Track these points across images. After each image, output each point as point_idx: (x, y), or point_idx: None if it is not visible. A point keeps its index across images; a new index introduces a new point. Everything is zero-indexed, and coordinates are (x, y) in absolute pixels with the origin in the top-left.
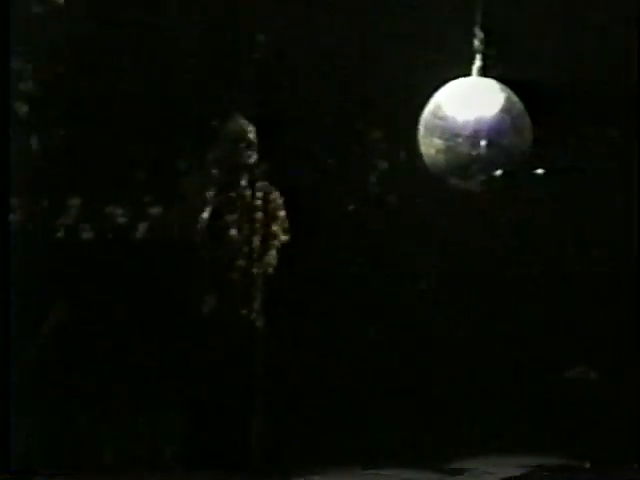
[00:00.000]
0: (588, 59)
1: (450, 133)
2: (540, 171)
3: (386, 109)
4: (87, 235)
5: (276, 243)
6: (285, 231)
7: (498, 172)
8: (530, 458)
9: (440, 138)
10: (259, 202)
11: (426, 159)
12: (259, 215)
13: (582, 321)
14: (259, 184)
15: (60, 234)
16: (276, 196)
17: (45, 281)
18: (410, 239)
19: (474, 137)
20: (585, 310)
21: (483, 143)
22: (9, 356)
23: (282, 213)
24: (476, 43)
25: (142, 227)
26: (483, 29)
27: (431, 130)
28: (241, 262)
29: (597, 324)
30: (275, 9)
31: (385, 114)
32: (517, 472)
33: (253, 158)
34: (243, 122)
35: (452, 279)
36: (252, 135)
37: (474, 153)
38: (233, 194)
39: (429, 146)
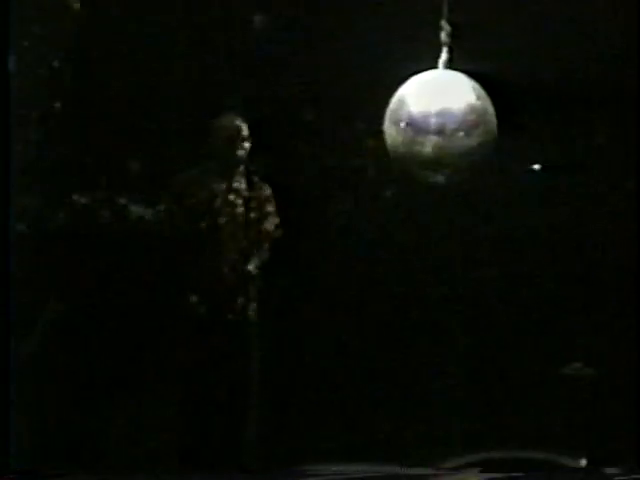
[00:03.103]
0: (556, 52)
1: (416, 126)
2: (537, 167)
3: (370, 104)
4: (84, 231)
5: (268, 239)
6: (277, 227)
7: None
8: (527, 456)
9: (405, 131)
10: (251, 198)
11: (392, 152)
12: (251, 211)
13: (580, 318)
14: (251, 180)
15: (59, 230)
16: (268, 192)
17: (45, 279)
18: (404, 235)
19: (440, 130)
20: (584, 307)
21: (449, 136)
22: (9, 356)
23: (274, 209)
24: (443, 36)
25: (138, 223)
26: (450, 22)
27: (396, 123)
28: (234, 258)
29: (595, 321)
30: (272, 7)
31: (371, 109)
32: (516, 471)
33: (245, 155)
34: (236, 119)
35: (448, 275)
36: (245, 132)
37: (440, 146)
38: (226, 190)
39: (395, 139)
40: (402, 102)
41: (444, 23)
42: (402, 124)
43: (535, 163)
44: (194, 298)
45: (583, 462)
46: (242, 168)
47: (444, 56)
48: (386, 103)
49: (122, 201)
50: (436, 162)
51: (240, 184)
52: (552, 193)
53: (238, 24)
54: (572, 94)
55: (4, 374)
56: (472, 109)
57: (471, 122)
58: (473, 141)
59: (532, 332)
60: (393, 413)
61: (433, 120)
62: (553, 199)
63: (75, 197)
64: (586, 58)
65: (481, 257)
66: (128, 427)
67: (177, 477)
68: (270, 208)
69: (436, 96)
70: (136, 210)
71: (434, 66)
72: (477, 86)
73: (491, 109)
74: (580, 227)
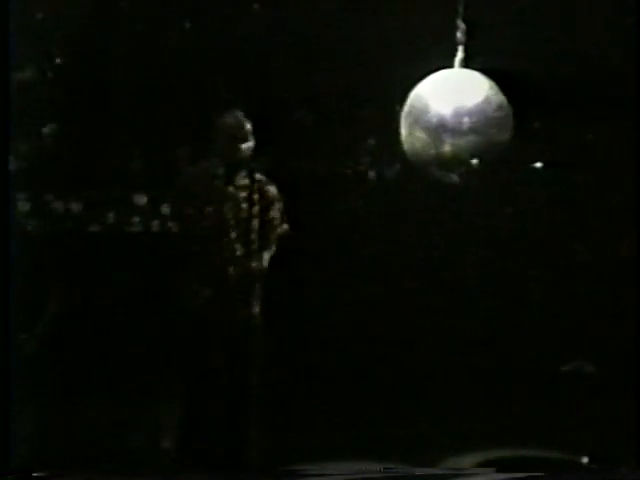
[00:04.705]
0: (571, 51)
1: (432, 125)
2: (538, 165)
3: (372, 102)
4: (84, 229)
5: (273, 237)
6: (282, 225)
7: (475, 161)
8: (528, 454)
9: (422, 130)
10: (256, 196)
11: (408, 151)
12: (256, 209)
13: (581, 316)
14: (256, 178)
15: (59, 228)
16: (273, 191)
17: (45, 279)
18: (409, 232)
19: (456, 129)
20: (584, 305)
21: (464, 135)
22: (9, 356)
23: (279, 207)
24: (458, 35)
25: (140, 221)
26: (465, 21)
27: (413, 122)
28: (239, 256)
29: (596, 319)
30: (272, 4)
31: (372, 107)
32: (517, 471)
33: (250, 152)
34: (240, 116)
35: (450, 273)
36: (249, 129)
37: (455, 145)
38: (230, 188)
39: (411, 138)
40: (424, 103)
41: (459, 22)
42: (417, 123)
43: (546, 161)
44: (198, 297)
45: (585, 461)
46: (246, 166)
47: (460, 55)
48: (398, 102)
49: (124, 200)
50: (450, 161)
51: (244, 182)
52: (554, 191)
53: (242, 21)
54: (584, 92)
55: (4, 374)
56: (499, 106)
57: (487, 121)
58: (488, 141)
59: (533, 330)
60: (394, 413)
61: (448, 119)
62: (555, 197)
63: (76, 196)
64: (601, 57)
65: (482, 256)
66: (128, 427)
67: (177, 477)
68: (275, 206)
69: (451, 95)
70: (139, 209)
71: (448, 65)
72: (493, 84)
73: (508, 108)
74: (581, 225)
